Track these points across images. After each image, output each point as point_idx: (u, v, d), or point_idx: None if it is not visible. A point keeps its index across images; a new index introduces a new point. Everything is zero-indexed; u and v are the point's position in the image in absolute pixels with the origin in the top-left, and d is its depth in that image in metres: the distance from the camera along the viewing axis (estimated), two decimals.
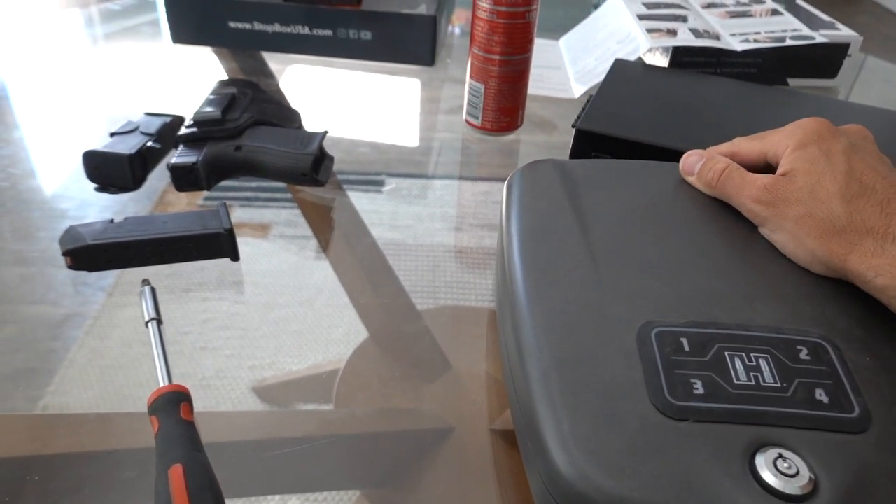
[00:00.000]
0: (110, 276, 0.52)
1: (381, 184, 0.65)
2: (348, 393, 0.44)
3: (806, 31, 0.81)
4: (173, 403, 0.39)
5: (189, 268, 0.52)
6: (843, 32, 0.83)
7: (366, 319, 0.49)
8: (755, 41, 0.78)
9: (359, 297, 0.51)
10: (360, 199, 0.62)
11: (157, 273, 0.51)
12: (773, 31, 0.80)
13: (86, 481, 0.38)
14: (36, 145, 0.70)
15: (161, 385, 0.41)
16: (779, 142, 0.42)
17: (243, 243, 0.54)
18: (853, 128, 0.43)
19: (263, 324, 0.49)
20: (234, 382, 0.44)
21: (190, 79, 0.83)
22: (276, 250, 0.55)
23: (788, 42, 0.78)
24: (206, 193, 0.61)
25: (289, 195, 0.62)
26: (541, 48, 0.92)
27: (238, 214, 0.59)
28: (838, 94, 0.87)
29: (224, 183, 0.61)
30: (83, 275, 0.51)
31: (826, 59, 0.84)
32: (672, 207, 0.43)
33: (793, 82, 0.85)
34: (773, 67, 0.82)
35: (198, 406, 0.40)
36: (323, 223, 0.59)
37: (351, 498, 0.38)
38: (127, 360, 0.45)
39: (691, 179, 0.45)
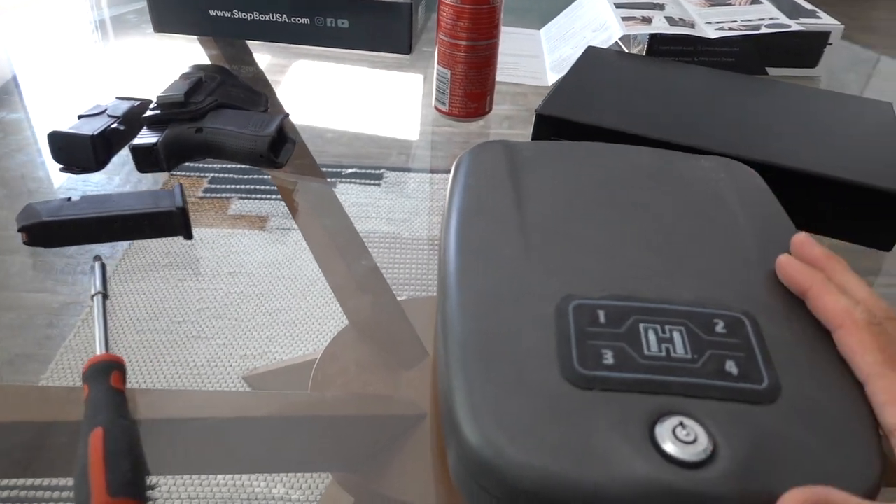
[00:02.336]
0: (109, 267, 0.52)
1: (380, 177, 0.65)
2: (325, 379, 0.44)
3: (783, 19, 0.80)
4: (105, 372, 0.39)
5: (185, 256, 0.53)
6: (823, 21, 0.82)
7: (345, 306, 0.50)
8: (730, 29, 0.77)
9: (337, 285, 0.51)
10: (358, 194, 0.62)
11: (154, 263, 0.52)
12: (749, 20, 0.80)
13: (16, 447, 0.38)
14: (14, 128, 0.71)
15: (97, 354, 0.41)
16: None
17: (241, 235, 0.55)
18: None
19: (257, 314, 0.49)
20: (225, 371, 0.44)
21: (170, 66, 0.83)
22: (272, 242, 0.56)
23: (764, 30, 0.77)
24: (205, 185, 0.61)
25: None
26: (521, 37, 0.92)
27: (237, 207, 0.59)
28: (819, 83, 0.86)
29: (224, 176, 0.62)
30: (83, 264, 0.52)
31: (805, 48, 0.83)
32: (610, 188, 0.43)
33: (773, 71, 0.84)
34: (750, 56, 0.81)
35: None
36: (302, 208, 0.60)
37: (316, 481, 0.38)
38: (121, 348, 0.45)
39: None
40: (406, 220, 0.59)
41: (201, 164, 0.63)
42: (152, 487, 0.37)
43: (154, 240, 0.54)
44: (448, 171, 0.64)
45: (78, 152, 0.60)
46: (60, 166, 0.61)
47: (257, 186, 0.62)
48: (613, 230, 0.39)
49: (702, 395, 0.30)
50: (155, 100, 0.61)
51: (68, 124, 0.61)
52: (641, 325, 0.32)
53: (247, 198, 0.61)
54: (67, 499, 0.37)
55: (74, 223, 0.51)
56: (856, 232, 0.57)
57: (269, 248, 0.55)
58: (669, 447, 0.28)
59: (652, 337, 0.32)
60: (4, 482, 0.37)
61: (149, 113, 0.61)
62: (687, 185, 0.44)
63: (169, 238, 0.54)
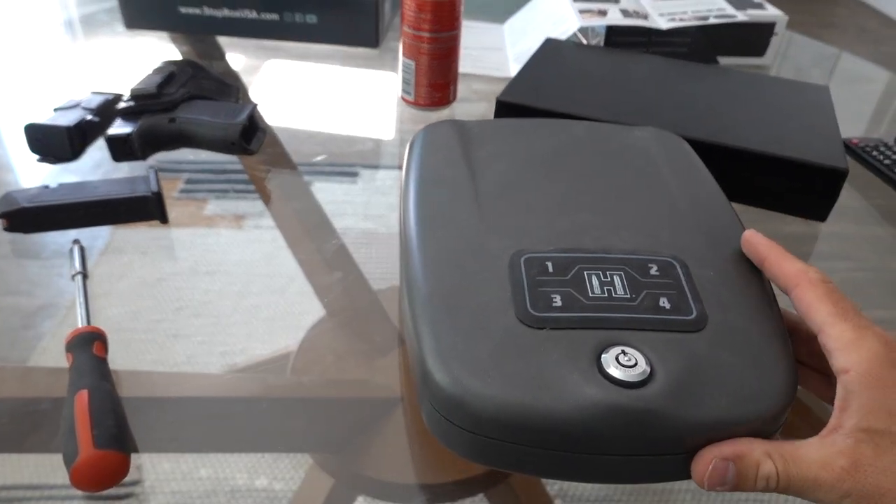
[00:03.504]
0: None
1: (354, 174, 0.66)
2: (303, 368, 0.46)
3: (729, 10, 0.84)
4: (87, 342, 0.41)
5: (162, 256, 0.54)
6: (769, 12, 0.87)
7: (317, 288, 0.51)
8: (681, 20, 0.82)
9: (314, 276, 0.53)
10: (335, 191, 0.63)
11: (132, 262, 0.52)
12: (698, 11, 0.84)
13: (2, 416, 0.40)
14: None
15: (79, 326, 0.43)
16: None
17: (217, 234, 0.56)
18: None
19: (235, 311, 0.49)
20: (204, 368, 0.45)
21: (143, 62, 0.85)
22: (249, 241, 0.57)
23: (712, 21, 0.82)
24: (181, 185, 0.62)
25: None
26: (484, 31, 0.96)
27: (212, 207, 0.60)
28: (769, 71, 0.91)
29: (200, 176, 0.62)
30: (58, 266, 0.52)
31: (753, 38, 0.88)
32: (552, 157, 0.47)
33: (723, 60, 0.88)
34: (701, 46, 0.86)
35: None
36: (276, 200, 0.61)
37: (298, 472, 0.39)
38: None
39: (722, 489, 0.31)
40: (381, 216, 0.60)
41: (177, 164, 0.64)
42: (129, 483, 0.37)
43: (130, 241, 0.54)
44: None
45: (54, 143, 0.61)
46: (37, 157, 0.62)
47: (234, 186, 0.63)
48: (556, 194, 0.43)
49: (639, 327, 0.33)
50: (129, 92, 0.63)
51: (44, 117, 0.62)
52: (585, 272, 0.36)
53: (223, 197, 0.61)
54: (63, 497, 0.37)
55: (53, 208, 0.53)
56: (795, 205, 0.61)
57: (246, 246, 0.56)
58: (614, 371, 0.31)
59: (595, 281, 0.35)
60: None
61: (122, 104, 0.63)
62: (620, 152, 0.48)
63: (145, 239, 0.55)
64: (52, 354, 0.44)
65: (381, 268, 0.54)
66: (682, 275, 0.36)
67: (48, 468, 0.38)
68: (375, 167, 0.68)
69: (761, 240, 0.38)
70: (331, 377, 0.45)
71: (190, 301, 0.50)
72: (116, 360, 0.44)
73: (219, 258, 0.55)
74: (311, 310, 0.50)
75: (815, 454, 0.29)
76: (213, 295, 0.51)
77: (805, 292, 0.33)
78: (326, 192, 0.63)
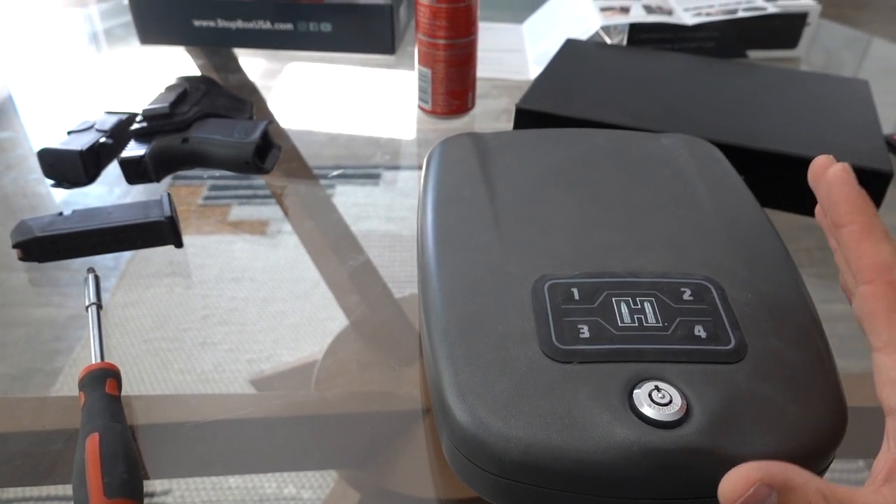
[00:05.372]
0: (112, 278, 0.53)
1: (377, 177, 0.65)
2: (327, 378, 0.45)
3: (758, 1, 0.81)
4: (100, 379, 0.40)
5: (189, 267, 0.54)
6: (800, 2, 0.83)
7: (342, 305, 0.50)
8: (707, 15, 0.78)
9: (333, 283, 0.52)
10: (355, 194, 0.62)
11: (157, 272, 0.52)
12: (726, 4, 0.81)
13: (17, 455, 0.39)
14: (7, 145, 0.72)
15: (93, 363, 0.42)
16: None
17: (243, 241, 0.56)
18: None
19: (261, 318, 0.49)
20: (232, 376, 0.45)
21: (158, 78, 0.85)
22: (273, 246, 0.56)
23: (741, 14, 0.78)
24: (205, 192, 0.62)
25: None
26: (502, 32, 0.93)
27: (236, 212, 0.60)
28: (800, 63, 0.87)
29: (223, 182, 0.62)
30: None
31: (784, 30, 0.84)
32: (575, 170, 0.44)
33: (753, 54, 0.85)
34: (729, 40, 0.82)
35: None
36: (295, 210, 0.60)
37: (326, 480, 0.38)
38: (129, 357, 0.46)
39: None
40: (404, 219, 0.60)
41: (200, 171, 0.64)
42: (161, 493, 0.37)
43: (156, 249, 0.54)
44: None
45: (68, 168, 0.61)
46: (51, 182, 0.62)
47: (257, 192, 0.63)
48: (581, 211, 0.40)
49: (674, 359, 0.31)
50: (141, 113, 0.62)
51: (58, 140, 0.62)
52: (614, 299, 0.33)
53: (247, 203, 0.61)
54: None
55: (67, 237, 0.52)
56: None
57: (271, 252, 0.56)
58: (647, 410, 0.28)
59: (624, 309, 0.33)
60: (10, 492, 0.38)
61: (135, 126, 0.62)
62: (647, 162, 0.45)
63: (171, 247, 0.54)
64: (84, 365, 0.44)
65: (405, 271, 0.53)
66: (717, 299, 0.33)
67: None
68: (396, 168, 0.67)
69: (853, 194, 0.28)
70: (355, 388, 0.44)
71: (216, 308, 0.50)
72: (144, 370, 0.44)
73: (244, 264, 0.55)
74: (337, 315, 0.50)
75: (871, 502, 0.25)
76: (238, 302, 0.51)
77: (876, 296, 0.26)
78: (348, 196, 0.62)
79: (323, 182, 0.64)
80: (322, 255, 0.55)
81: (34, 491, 0.38)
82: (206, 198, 0.62)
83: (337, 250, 0.56)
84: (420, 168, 0.68)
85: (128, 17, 1.03)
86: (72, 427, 0.39)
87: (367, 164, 0.68)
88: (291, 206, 0.61)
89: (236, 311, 0.50)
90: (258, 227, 0.58)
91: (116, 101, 0.76)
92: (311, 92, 0.82)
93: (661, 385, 0.29)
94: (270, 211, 0.60)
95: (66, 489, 0.38)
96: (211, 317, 0.49)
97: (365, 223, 0.59)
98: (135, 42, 0.91)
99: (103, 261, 0.54)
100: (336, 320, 0.49)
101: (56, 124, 0.75)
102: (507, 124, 0.74)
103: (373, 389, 0.44)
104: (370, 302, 0.51)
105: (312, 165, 0.67)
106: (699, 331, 0.32)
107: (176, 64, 0.88)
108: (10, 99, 0.82)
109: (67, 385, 0.44)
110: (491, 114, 0.76)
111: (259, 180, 0.64)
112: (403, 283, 0.52)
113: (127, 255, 0.54)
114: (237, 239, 0.55)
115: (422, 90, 0.71)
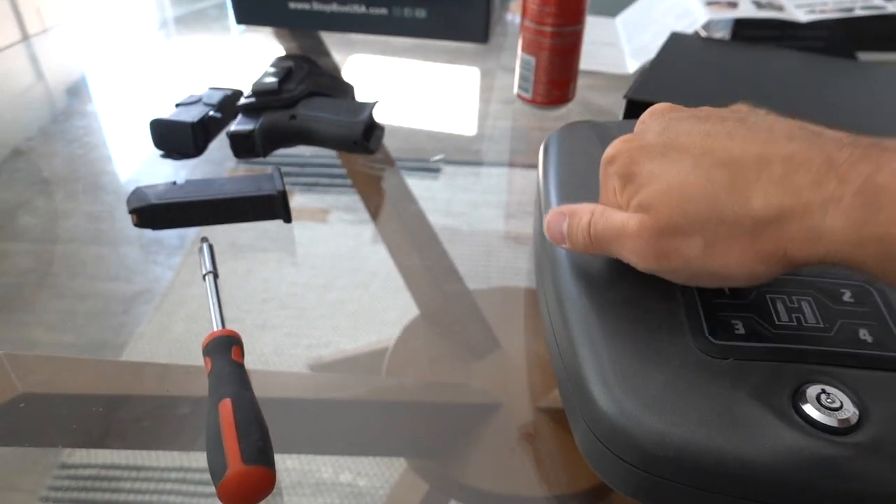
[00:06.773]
0: (177, 256, 0.54)
1: (437, 171, 0.64)
2: (398, 367, 0.44)
3: (877, 0, 0.77)
4: (225, 346, 0.40)
5: (250, 250, 0.54)
6: None
7: (417, 297, 0.50)
8: (821, 12, 0.75)
9: (410, 275, 0.52)
10: (415, 186, 0.62)
11: (218, 256, 0.52)
12: (842, 1, 0.77)
13: (144, 416, 0.40)
14: (110, 117, 0.74)
15: (215, 330, 0.43)
16: None
17: (303, 228, 0.56)
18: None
19: (320, 304, 0.49)
20: (291, 360, 0.45)
21: (253, 58, 0.86)
22: (334, 235, 0.56)
23: (858, 12, 0.75)
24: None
25: (348, 182, 0.62)
26: (596, 25, 0.92)
27: (298, 200, 0.60)
28: None
29: (285, 169, 0.62)
30: (153, 254, 0.54)
31: None
32: None
33: (865, 56, 0.81)
34: (840, 40, 0.79)
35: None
36: (376, 197, 0.60)
37: (383, 468, 0.38)
38: (192, 334, 0.46)
39: (566, 247, 0.35)
40: (464, 214, 0.58)
41: (302, 150, 0.64)
42: None
43: (219, 232, 0.54)
44: (526, 164, 0.65)
45: (179, 139, 0.62)
46: (161, 153, 0.63)
47: (318, 179, 0.62)
48: None
49: (840, 363, 0.29)
50: (250, 88, 0.63)
51: (166, 113, 0.63)
52: (768, 296, 0.32)
53: (308, 191, 0.61)
54: (146, 478, 0.37)
55: (182, 205, 0.53)
56: None
57: (331, 239, 0.56)
58: (816, 414, 0.27)
59: (781, 307, 0.31)
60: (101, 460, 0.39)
61: (244, 101, 0.62)
62: None
63: (234, 230, 0.54)
64: (149, 339, 0.46)
65: (464, 266, 0.52)
66: (880, 302, 0.31)
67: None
68: (476, 164, 0.66)
69: None
70: (427, 380, 0.44)
71: (276, 293, 0.50)
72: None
73: (304, 250, 0.55)
74: (395, 306, 0.49)
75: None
76: (298, 287, 0.51)
77: None
78: (415, 189, 0.61)
79: (405, 172, 0.63)
80: (400, 244, 0.55)
81: (159, 457, 0.38)
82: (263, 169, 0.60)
83: (417, 242, 0.55)
84: (519, 155, 0.67)
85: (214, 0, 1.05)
86: (196, 394, 0.40)
87: (467, 151, 0.67)
88: (374, 192, 0.61)
89: (296, 296, 0.50)
90: (319, 215, 0.58)
91: (212, 78, 0.77)
92: (396, 79, 0.82)
93: (829, 389, 0.28)
94: (331, 199, 0.60)
95: (187, 458, 0.38)
96: (271, 300, 0.49)
97: (424, 207, 0.58)
98: (225, 23, 0.92)
99: (169, 240, 0.55)
100: (394, 310, 0.48)
101: (156, 98, 0.76)
102: (606, 118, 0.73)
103: (445, 381, 0.43)
104: (442, 287, 0.50)
105: (396, 149, 0.66)
106: (864, 335, 0.30)
107: (265, 47, 0.89)
108: (95, 78, 0.85)
109: (133, 358, 0.45)
110: (589, 107, 0.74)
111: (323, 168, 0.63)
112: (464, 277, 0.51)
113: (192, 234, 0.55)
114: (297, 224, 0.55)
115: (523, 78, 0.70)
